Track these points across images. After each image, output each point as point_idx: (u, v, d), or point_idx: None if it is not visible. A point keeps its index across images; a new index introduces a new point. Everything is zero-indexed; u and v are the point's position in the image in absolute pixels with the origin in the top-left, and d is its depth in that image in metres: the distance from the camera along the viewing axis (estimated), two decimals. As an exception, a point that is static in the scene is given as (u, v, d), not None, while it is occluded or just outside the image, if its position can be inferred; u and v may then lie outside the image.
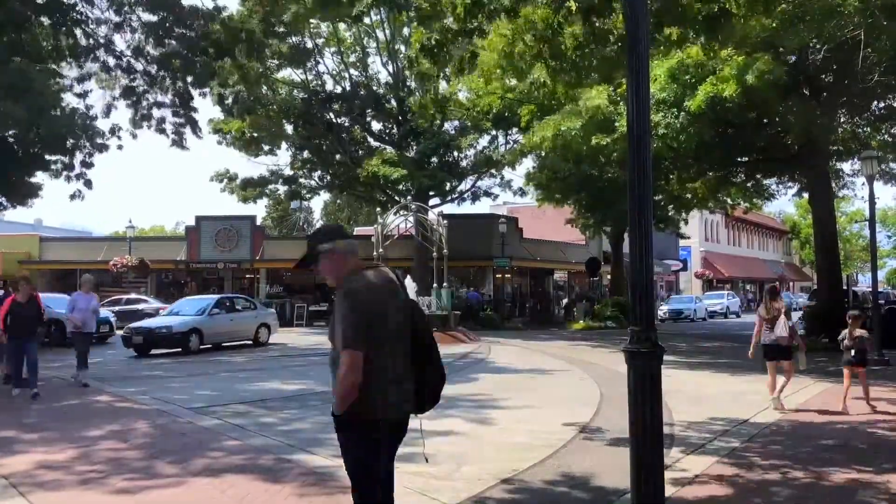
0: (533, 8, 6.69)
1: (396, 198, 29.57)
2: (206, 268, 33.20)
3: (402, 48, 30.02)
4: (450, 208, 32.47)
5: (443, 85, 28.20)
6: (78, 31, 15.30)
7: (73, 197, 18.74)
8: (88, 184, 18.93)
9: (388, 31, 30.04)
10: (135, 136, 17.89)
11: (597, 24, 6.77)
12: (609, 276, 35.94)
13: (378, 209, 28.52)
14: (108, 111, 18.40)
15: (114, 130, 17.70)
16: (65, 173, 18.98)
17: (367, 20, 28.57)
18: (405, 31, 29.50)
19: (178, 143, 17.27)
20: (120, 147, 21.51)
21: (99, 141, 19.14)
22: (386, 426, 3.10)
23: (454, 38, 7.07)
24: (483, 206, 45.57)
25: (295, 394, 10.56)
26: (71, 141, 18.95)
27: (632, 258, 3.92)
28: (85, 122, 18.98)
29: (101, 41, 15.63)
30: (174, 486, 5.34)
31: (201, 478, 5.64)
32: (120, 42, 15.67)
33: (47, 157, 19.53)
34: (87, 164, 19.11)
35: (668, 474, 4.20)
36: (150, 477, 5.69)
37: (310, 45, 28.94)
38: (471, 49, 7.41)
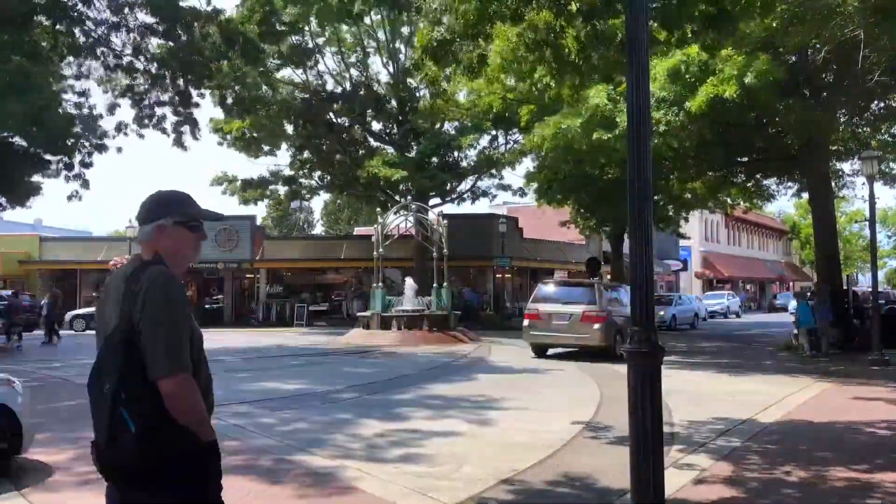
0: (536, 12, 6.67)
1: (396, 198, 29.56)
2: (206, 268, 33.14)
3: (403, 48, 30.01)
4: (450, 208, 32.44)
5: (443, 85, 28.15)
6: (77, 30, 15.31)
7: (70, 198, 18.72)
8: (86, 184, 18.94)
9: (388, 32, 30.03)
10: (142, 136, 17.97)
11: (598, 27, 6.77)
12: (609, 276, 35.93)
13: (378, 209, 28.49)
14: (111, 109, 18.42)
15: (119, 128, 17.72)
16: (64, 173, 18.97)
17: (367, 20, 28.61)
18: (404, 30, 29.51)
19: (179, 142, 17.31)
20: (119, 150, 21.61)
21: (98, 141, 19.13)
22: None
23: (462, 38, 7.07)
24: (483, 206, 45.46)
25: (294, 394, 10.55)
26: (71, 140, 18.92)
27: (632, 258, 3.91)
28: (86, 122, 18.98)
29: (101, 40, 15.64)
30: (174, 487, 5.34)
31: (201, 478, 5.62)
32: (119, 42, 15.71)
33: (47, 157, 19.54)
34: (86, 165, 19.10)
35: (668, 474, 4.19)
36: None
37: (310, 45, 28.92)
38: (478, 52, 7.41)
